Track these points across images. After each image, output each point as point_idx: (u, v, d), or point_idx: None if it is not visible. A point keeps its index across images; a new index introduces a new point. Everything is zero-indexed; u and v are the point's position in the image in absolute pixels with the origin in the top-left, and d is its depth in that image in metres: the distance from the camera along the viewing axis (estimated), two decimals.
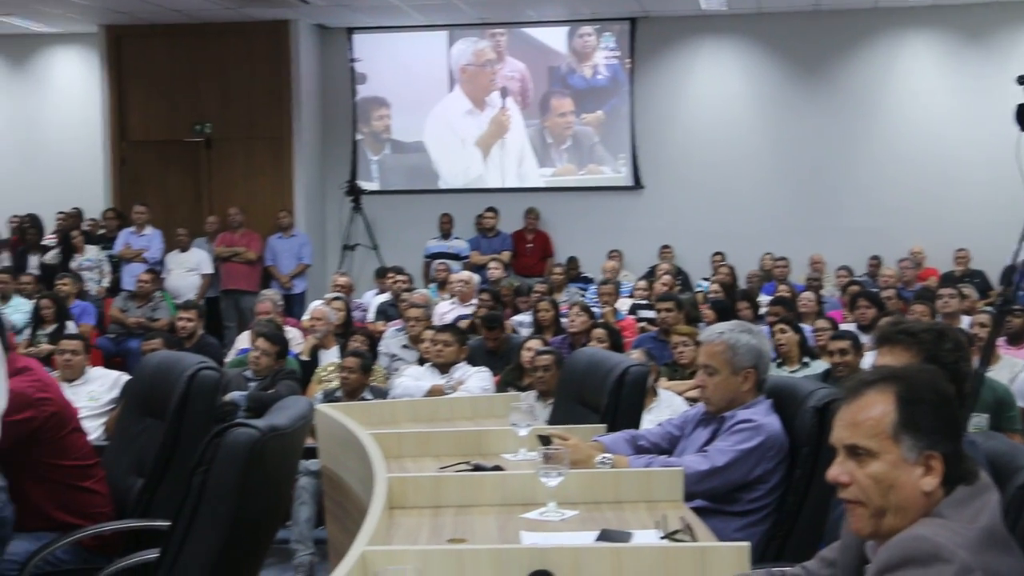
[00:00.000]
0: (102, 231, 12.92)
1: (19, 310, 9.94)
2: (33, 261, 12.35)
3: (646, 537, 3.09)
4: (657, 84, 13.63)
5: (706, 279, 12.00)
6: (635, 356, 6.33)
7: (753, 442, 3.78)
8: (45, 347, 8.85)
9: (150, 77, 13.61)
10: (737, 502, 3.79)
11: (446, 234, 13.27)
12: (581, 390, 4.91)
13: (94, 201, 13.58)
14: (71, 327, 9.51)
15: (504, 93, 13.75)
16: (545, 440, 3.79)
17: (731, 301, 9.66)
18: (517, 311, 10.13)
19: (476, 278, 10.83)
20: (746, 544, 2.77)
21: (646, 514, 3.35)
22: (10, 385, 3.54)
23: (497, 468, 3.84)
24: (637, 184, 13.69)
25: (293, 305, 12.16)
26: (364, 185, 13.86)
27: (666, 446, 4.14)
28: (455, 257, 12.80)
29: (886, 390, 2.20)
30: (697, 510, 3.49)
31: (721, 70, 13.65)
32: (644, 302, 10.33)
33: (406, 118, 13.98)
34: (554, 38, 13.72)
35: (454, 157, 13.90)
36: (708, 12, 13.13)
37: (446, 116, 13.87)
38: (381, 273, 11.59)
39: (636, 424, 4.56)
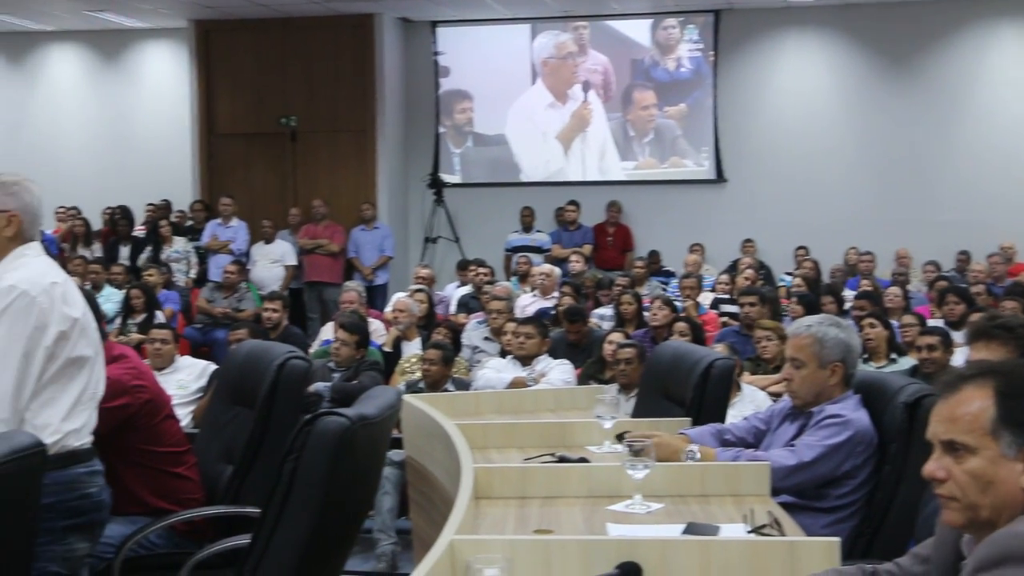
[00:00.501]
0: (190, 223, 13.14)
1: (110, 300, 10.14)
2: (123, 252, 12.59)
3: (733, 531, 3.07)
4: (741, 76, 13.52)
5: (789, 274, 11.86)
6: (718, 350, 6.29)
7: (841, 437, 3.74)
8: (135, 336, 9.00)
9: (237, 71, 13.80)
10: (825, 498, 3.75)
11: (527, 227, 13.28)
12: (666, 383, 4.89)
13: (182, 193, 13.81)
14: (160, 317, 9.68)
15: (586, 87, 13.73)
16: (622, 438, 3.79)
17: (815, 296, 9.55)
18: (598, 304, 10.11)
19: (557, 271, 10.82)
20: (836, 539, 2.74)
21: (733, 508, 3.33)
22: (106, 372, 3.62)
23: (582, 460, 3.84)
24: (720, 177, 13.59)
25: (375, 297, 12.25)
26: (446, 178, 13.92)
27: (752, 440, 4.11)
28: (536, 250, 12.80)
29: (984, 385, 2.16)
30: (784, 506, 3.46)
31: (806, 62, 13.50)
32: (726, 296, 10.26)
33: (488, 111, 14.01)
34: (637, 31, 13.66)
35: (535, 150, 13.90)
36: (794, 3, 12.99)
37: (528, 109, 13.87)
38: (463, 266, 11.65)
39: (721, 418, 4.53)
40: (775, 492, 3.51)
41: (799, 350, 3.91)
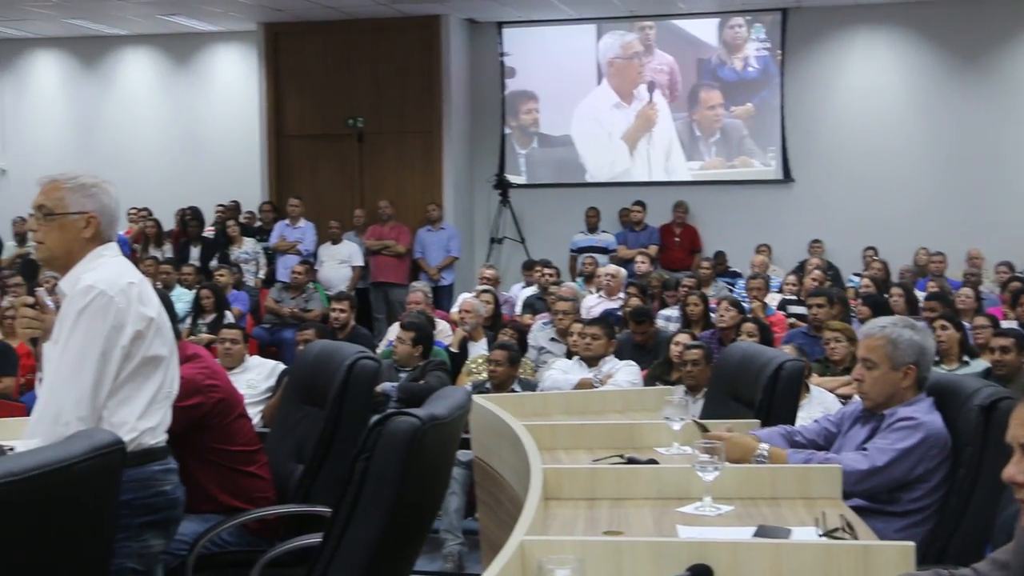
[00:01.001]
0: (258, 224, 13.28)
1: (180, 300, 10.27)
2: (194, 253, 12.76)
3: (805, 534, 3.05)
4: (808, 75, 13.40)
5: (857, 274, 11.75)
6: (786, 352, 6.24)
7: (914, 440, 3.70)
8: (205, 336, 9.11)
9: (305, 73, 13.93)
10: (898, 502, 3.71)
11: (593, 228, 13.26)
12: (734, 385, 4.86)
13: (251, 194, 13.96)
14: (229, 317, 9.80)
15: (651, 87, 13.68)
16: (702, 428, 3.77)
17: (884, 297, 9.44)
18: (664, 305, 10.07)
19: (623, 272, 10.80)
20: (911, 544, 2.70)
21: (804, 511, 3.30)
22: (180, 372, 3.67)
23: (651, 461, 3.83)
24: (787, 177, 13.48)
25: (441, 297, 12.30)
26: (512, 178, 13.95)
27: (822, 443, 4.08)
28: (602, 251, 12.78)
29: None
30: (856, 509, 3.42)
31: (875, 60, 13.35)
32: (794, 297, 10.18)
33: (554, 112, 14.01)
34: (704, 30, 13.59)
35: (601, 151, 13.88)
36: (865, 1, 12.84)
37: (593, 110, 13.86)
38: (528, 266, 11.66)
39: (791, 420, 4.50)
40: (847, 495, 3.48)
41: (872, 351, 3.87)
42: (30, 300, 3.56)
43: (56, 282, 4.39)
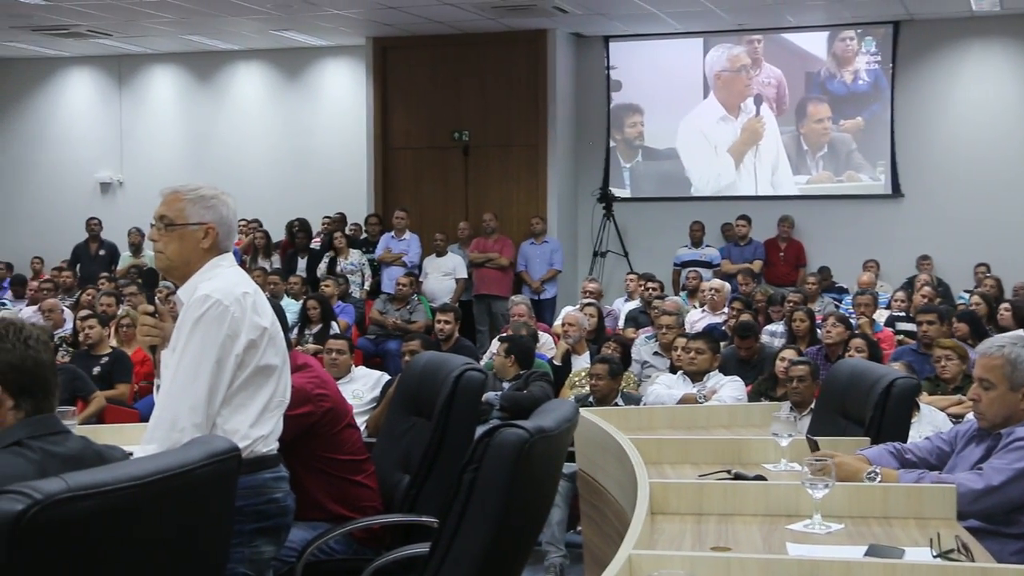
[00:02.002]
0: (364, 236, 13.44)
1: (287, 310, 10.40)
2: (301, 264, 12.96)
3: (918, 555, 2.99)
4: (920, 89, 13.17)
5: (968, 291, 11.48)
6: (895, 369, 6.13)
7: None
8: (311, 346, 9.24)
9: (412, 86, 14.08)
10: (1015, 524, 3.62)
11: (697, 242, 13.17)
12: (843, 402, 4.79)
13: (357, 206, 14.14)
14: (335, 328, 9.92)
15: (758, 100, 13.57)
16: (812, 443, 3.72)
17: (991, 314, 9.21)
18: (769, 320, 9.97)
19: (727, 287, 10.71)
20: None
21: (917, 531, 3.25)
22: (291, 381, 3.72)
23: (759, 477, 3.79)
24: (896, 192, 13.25)
25: (544, 310, 12.32)
26: (616, 192, 13.93)
27: (934, 461, 3.99)
28: (706, 265, 12.69)
29: None
30: (971, 530, 3.35)
31: (990, 73, 13.08)
32: (902, 314, 10.00)
33: (659, 125, 13.98)
34: (813, 43, 13.44)
35: (706, 164, 13.81)
36: (979, 13, 12.59)
37: (699, 123, 13.79)
38: (636, 278, 11.58)
39: (903, 439, 4.40)
40: (961, 516, 3.41)
41: (989, 371, 3.78)
42: (150, 309, 3.64)
43: (171, 292, 4.48)
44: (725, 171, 13.72)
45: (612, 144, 14.16)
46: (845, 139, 13.33)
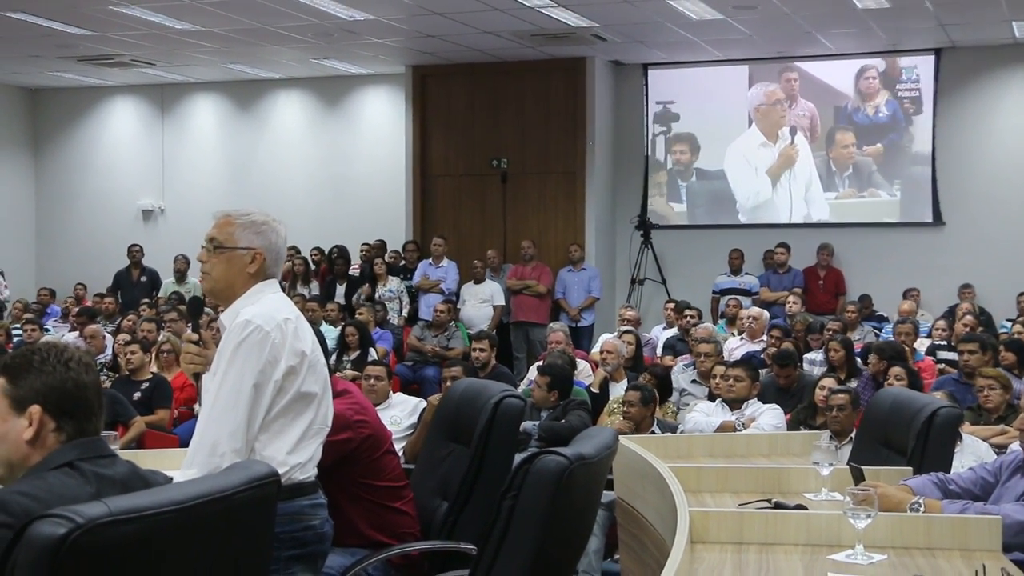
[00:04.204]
0: (402, 263, 13.48)
1: (326, 337, 10.45)
2: (339, 290, 13.00)
3: None
4: (961, 116, 13.10)
5: (1010, 320, 11.37)
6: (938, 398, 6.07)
7: None
8: (349, 373, 9.27)
9: (451, 114, 14.15)
10: None
11: (736, 270, 13.12)
12: (885, 431, 4.74)
13: (396, 233, 14.19)
14: (373, 354, 9.94)
15: (793, 130, 13.73)
16: (857, 473, 3.68)
17: None
18: (808, 348, 9.90)
19: (766, 314, 10.66)
20: None
21: (961, 563, 3.20)
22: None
23: (800, 507, 3.76)
24: (937, 220, 13.17)
25: (581, 338, 12.30)
26: (674, 207, 13.99)
27: (978, 492, 3.94)
28: (745, 293, 12.63)
29: None
30: (1017, 563, 3.30)
31: None
32: (943, 343, 9.91)
33: (704, 150, 14.10)
34: (841, 80, 13.60)
35: (747, 184, 13.95)
36: (1022, 40, 12.52)
37: (743, 147, 13.88)
38: (677, 308, 11.49)
39: (946, 469, 4.36)
40: (1007, 548, 3.36)
41: None
42: (194, 337, 3.67)
43: (212, 318, 4.51)
44: (763, 189, 13.90)
45: (671, 166, 14.24)
46: (867, 162, 13.58)
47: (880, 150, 13.53)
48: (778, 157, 13.83)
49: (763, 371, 8.27)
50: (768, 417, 6.92)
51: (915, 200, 13.34)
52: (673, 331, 10.95)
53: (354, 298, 12.56)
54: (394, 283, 12.73)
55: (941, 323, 10.59)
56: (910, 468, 4.22)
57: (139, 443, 7.35)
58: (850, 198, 13.66)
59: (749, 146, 13.96)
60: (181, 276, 14.13)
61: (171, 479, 3.34)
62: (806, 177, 13.79)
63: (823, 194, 13.74)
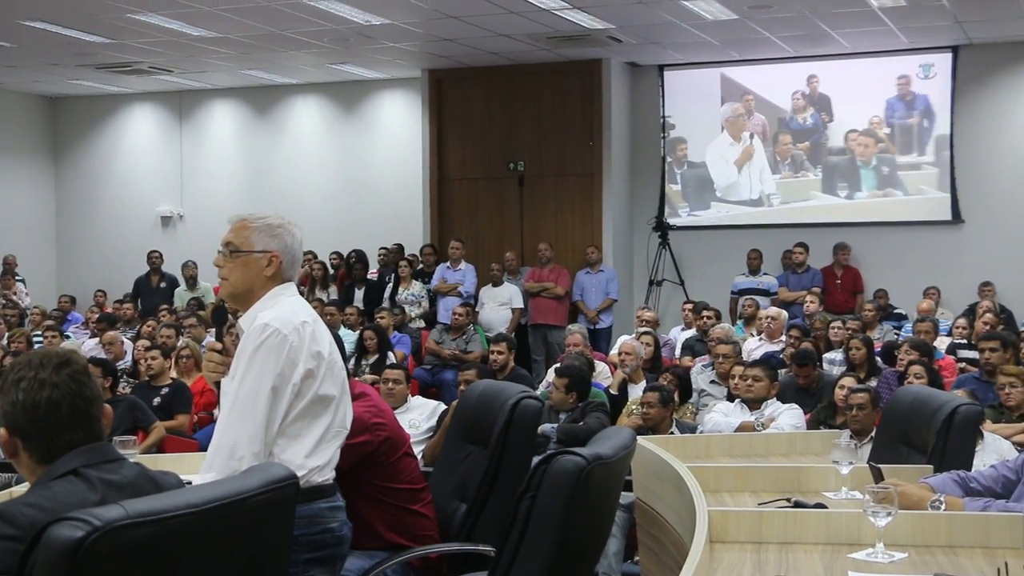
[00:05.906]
0: (420, 266, 13.49)
1: (344, 341, 10.46)
2: (358, 294, 13.01)
3: None
4: (980, 113, 13.04)
5: None
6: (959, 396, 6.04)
7: None
8: (368, 376, 9.28)
9: (467, 117, 14.16)
10: None
11: (754, 270, 13.09)
12: (905, 429, 4.72)
13: (413, 237, 14.20)
14: (392, 358, 9.95)
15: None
16: (876, 471, 3.66)
17: None
18: (828, 347, 9.87)
19: (784, 314, 10.62)
20: None
21: (983, 561, 3.18)
22: None
23: (819, 506, 3.74)
24: (956, 218, 13.11)
25: (599, 339, 12.28)
26: (671, 220, 13.92)
27: (1000, 490, 3.91)
28: (763, 293, 12.60)
29: None
30: None
31: None
32: (964, 341, 9.86)
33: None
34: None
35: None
36: None
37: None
38: (696, 309, 11.47)
39: (967, 467, 4.33)
40: None
41: None
42: (218, 346, 3.68)
43: (230, 324, 4.52)
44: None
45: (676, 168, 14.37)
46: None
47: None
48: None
49: (781, 371, 8.26)
50: (787, 417, 6.91)
51: (931, 198, 13.28)
52: (691, 332, 10.92)
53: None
54: (416, 287, 12.73)
55: (961, 321, 10.53)
56: (931, 466, 4.20)
57: (159, 448, 7.38)
58: (872, 198, 13.68)
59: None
60: (192, 282, 14.17)
61: (190, 482, 3.36)
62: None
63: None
